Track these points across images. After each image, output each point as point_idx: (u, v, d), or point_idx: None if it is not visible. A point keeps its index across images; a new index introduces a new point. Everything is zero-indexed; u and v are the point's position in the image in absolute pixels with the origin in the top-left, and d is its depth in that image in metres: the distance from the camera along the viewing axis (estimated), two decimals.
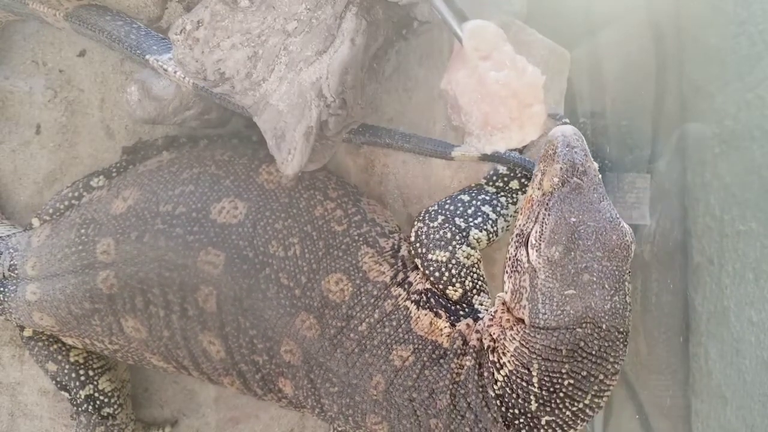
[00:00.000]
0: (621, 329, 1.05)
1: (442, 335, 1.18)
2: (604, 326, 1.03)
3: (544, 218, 1.05)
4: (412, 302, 1.20)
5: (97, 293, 1.23)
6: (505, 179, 1.33)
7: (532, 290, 1.06)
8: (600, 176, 1.07)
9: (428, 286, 1.23)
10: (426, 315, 1.20)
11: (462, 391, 1.14)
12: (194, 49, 1.18)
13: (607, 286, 1.03)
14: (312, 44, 1.14)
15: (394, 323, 1.18)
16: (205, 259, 1.18)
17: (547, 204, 1.05)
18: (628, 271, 1.06)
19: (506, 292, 1.12)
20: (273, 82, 1.16)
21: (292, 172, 1.20)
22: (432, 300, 1.22)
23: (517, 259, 1.10)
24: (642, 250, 1.51)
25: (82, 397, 1.38)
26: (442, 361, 1.16)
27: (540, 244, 1.05)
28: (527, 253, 1.07)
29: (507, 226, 1.29)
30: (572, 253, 1.03)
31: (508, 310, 1.12)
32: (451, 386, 1.14)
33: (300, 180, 1.24)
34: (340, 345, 1.18)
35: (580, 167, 1.04)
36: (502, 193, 1.32)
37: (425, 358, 1.16)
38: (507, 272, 1.13)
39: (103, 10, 1.31)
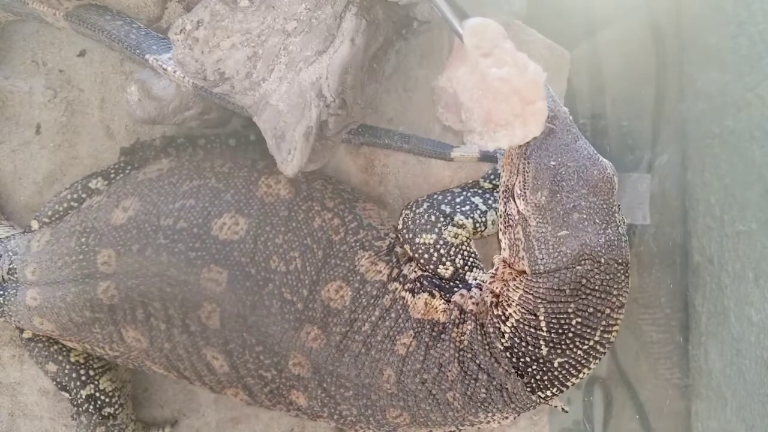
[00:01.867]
0: (620, 260, 1.06)
1: (438, 312, 1.20)
2: (602, 260, 1.04)
3: (524, 168, 1.07)
4: (407, 291, 1.22)
5: (97, 303, 1.23)
6: None
7: (527, 239, 1.08)
8: (572, 118, 1.09)
9: (420, 272, 1.25)
10: (420, 298, 1.21)
11: (469, 355, 1.15)
12: (194, 49, 1.18)
13: (597, 220, 1.05)
14: (312, 44, 1.14)
15: (393, 315, 1.19)
16: (208, 277, 1.18)
17: (526, 153, 1.07)
18: (615, 203, 1.08)
19: (504, 249, 1.14)
20: (273, 82, 1.16)
21: (292, 172, 1.19)
22: (425, 282, 1.23)
23: (507, 214, 1.12)
24: (642, 250, 1.51)
25: (83, 397, 1.38)
26: (443, 335, 1.17)
27: (525, 193, 1.07)
28: (515, 205, 1.09)
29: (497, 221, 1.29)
30: (558, 195, 1.05)
31: (509, 266, 1.13)
32: (457, 354, 1.15)
33: (298, 192, 1.25)
34: (346, 349, 1.19)
35: (550, 113, 1.05)
36: (498, 190, 1.32)
37: (427, 339, 1.17)
38: (501, 230, 1.14)
39: (103, 10, 1.31)
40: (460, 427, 1.22)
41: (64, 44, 1.45)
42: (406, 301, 1.21)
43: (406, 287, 1.22)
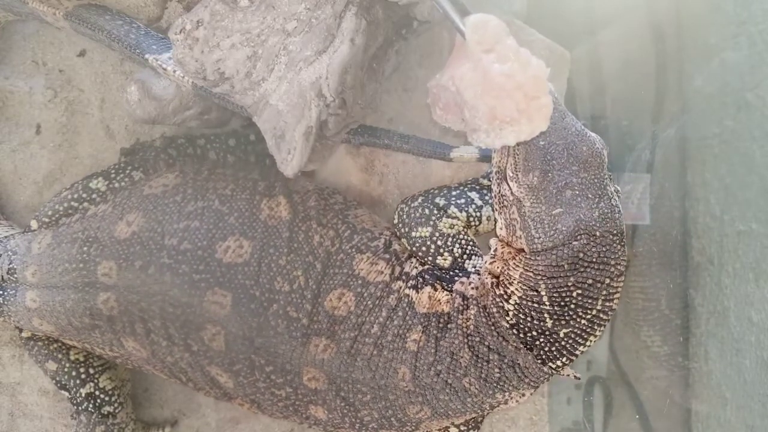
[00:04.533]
0: (615, 232, 1.07)
1: (441, 303, 1.21)
2: (597, 233, 1.06)
3: (514, 149, 1.08)
4: (411, 288, 1.23)
5: (97, 312, 1.23)
6: None
7: (522, 219, 1.09)
8: (557, 95, 1.09)
9: (420, 267, 1.26)
10: (424, 292, 1.22)
11: (477, 339, 1.16)
12: (194, 48, 1.18)
13: (590, 195, 1.06)
14: (312, 44, 1.14)
15: (401, 314, 1.20)
16: (212, 299, 1.18)
17: None
18: (607, 176, 1.09)
19: (501, 229, 1.15)
20: (273, 81, 1.16)
21: (291, 172, 1.20)
22: (427, 276, 1.24)
23: (501, 195, 1.14)
24: (642, 250, 1.51)
25: (83, 395, 1.38)
26: (450, 325, 1.18)
27: (517, 175, 1.08)
28: (509, 187, 1.10)
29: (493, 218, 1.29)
30: (549, 174, 1.06)
31: (508, 245, 1.15)
32: (466, 340, 1.16)
33: (296, 213, 1.25)
34: (358, 353, 1.19)
35: None
36: None
37: (435, 331, 1.18)
38: (497, 210, 1.16)
39: (102, 10, 1.31)
40: (480, 413, 1.23)
41: (64, 44, 1.45)
42: (411, 298, 1.21)
43: (409, 284, 1.23)
